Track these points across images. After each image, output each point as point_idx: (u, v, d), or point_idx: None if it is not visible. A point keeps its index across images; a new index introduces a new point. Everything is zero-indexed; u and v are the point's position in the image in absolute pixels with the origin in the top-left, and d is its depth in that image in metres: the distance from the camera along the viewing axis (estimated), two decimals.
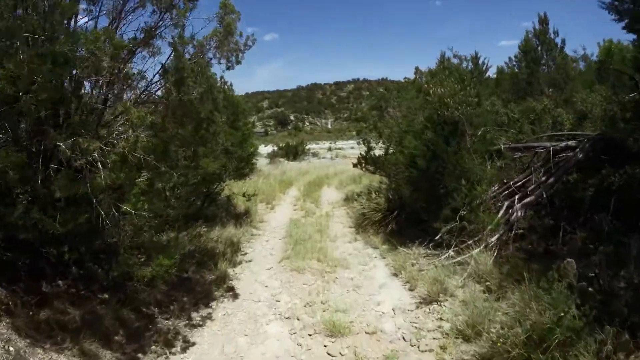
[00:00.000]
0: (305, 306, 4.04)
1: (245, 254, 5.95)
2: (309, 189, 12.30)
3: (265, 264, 5.44)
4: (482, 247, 4.63)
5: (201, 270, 5.00)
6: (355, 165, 9.52)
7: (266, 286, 4.64)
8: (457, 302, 3.77)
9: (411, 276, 4.40)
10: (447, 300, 3.88)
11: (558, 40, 8.17)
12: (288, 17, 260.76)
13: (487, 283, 4.04)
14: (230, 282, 4.76)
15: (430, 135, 5.10)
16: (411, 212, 6.24)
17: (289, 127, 63.48)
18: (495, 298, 3.69)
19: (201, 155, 5.50)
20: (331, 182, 14.14)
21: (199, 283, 4.60)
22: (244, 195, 7.57)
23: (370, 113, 9.70)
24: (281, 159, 22.88)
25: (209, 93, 4.76)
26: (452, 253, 4.76)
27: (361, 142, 9.81)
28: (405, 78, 10.90)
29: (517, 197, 5.11)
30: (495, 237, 4.73)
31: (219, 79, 8.04)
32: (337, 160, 23.69)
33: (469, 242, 4.89)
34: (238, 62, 4.21)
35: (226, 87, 7.76)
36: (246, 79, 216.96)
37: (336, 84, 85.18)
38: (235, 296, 4.39)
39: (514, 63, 8.50)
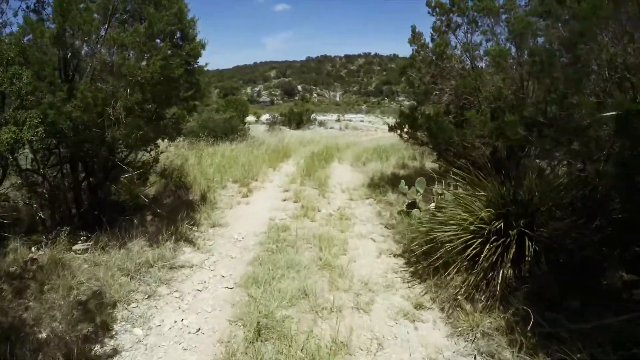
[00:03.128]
0: None
1: None
2: (312, 164, 8.12)
3: None
4: None
5: None
6: (392, 129, 5.45)
7: None
8: None
9: None
10: None
11: None
12: None
13: None
14: None
15: None
16: (585, 251, 2.26)
17: (296, 98, 58.72)
18: None
19: None
20: (343, 156, 9.97)
21: None
22: (173, 178, 3.57)
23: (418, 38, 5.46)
24: (282, 127, 18.75)
25: None
26: None
27: (404, 87, 5.74)
28: None
29: None
30: None
31: None
32: (347, 132, 19.55)
33: None
34: None
35: None
36: (255, 49, 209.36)
37: (346, 57, 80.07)
38: None
39: None
